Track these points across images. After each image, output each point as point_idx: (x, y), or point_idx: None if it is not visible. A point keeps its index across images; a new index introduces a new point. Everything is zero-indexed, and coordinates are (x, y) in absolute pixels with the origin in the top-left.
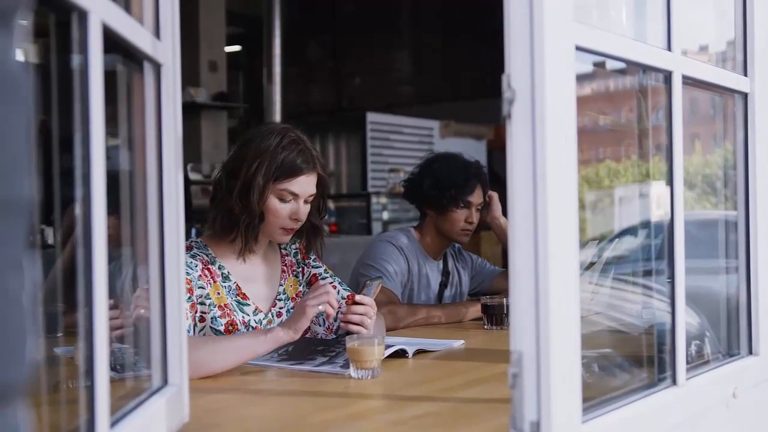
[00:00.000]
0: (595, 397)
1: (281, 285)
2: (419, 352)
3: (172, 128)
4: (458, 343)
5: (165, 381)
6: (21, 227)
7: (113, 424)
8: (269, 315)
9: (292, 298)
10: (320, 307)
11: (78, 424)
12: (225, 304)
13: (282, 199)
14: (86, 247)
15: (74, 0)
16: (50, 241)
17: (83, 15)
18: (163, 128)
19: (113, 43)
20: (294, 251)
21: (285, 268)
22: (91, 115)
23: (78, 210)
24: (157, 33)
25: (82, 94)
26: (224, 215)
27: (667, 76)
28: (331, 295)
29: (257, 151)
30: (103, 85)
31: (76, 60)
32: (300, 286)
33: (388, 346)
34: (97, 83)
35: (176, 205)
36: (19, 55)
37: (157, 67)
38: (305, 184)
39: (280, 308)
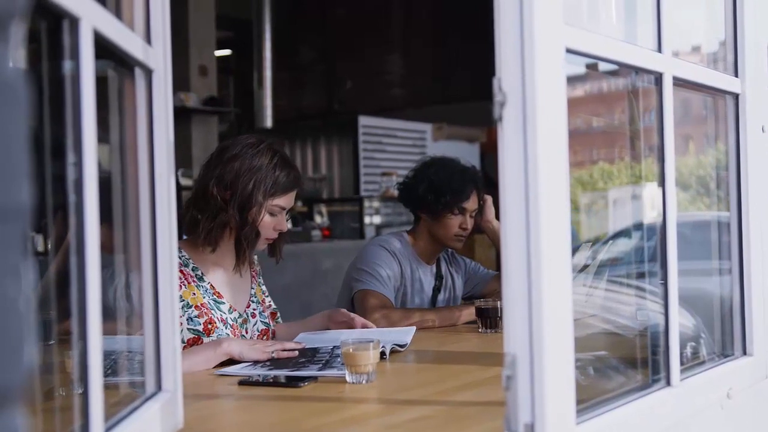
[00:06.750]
0: (590, 398)
1: (252, 288)
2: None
3: (164, 134)
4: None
5: (159, 387)
6: (19, 233)
7: (107, 430)
8: (244, 314)
9: (261, 302)
10: (273, 353)
11: (71, 431)
12: (201, 304)
13: (272, 214)
14: (79, 253)
15: (66, 6)
16: (40, 248)
17: (75, 21)
18: (155, 134)
19: (103, 48)
20: (256, 261)
21: (254, 274)
22: (82, 121)
23: (71, 217)
24: (148, 39)
25: (74, 100)
26: (219, 228)
27: (658, 78)
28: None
29: (250, 168)
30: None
31: (67, 66)
32: (263, 293)
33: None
34: (88, 89)
35: (168, 212)
36: (16, 62)
37: (148, 73)
38: (292, 199)
39: (254, 309)
